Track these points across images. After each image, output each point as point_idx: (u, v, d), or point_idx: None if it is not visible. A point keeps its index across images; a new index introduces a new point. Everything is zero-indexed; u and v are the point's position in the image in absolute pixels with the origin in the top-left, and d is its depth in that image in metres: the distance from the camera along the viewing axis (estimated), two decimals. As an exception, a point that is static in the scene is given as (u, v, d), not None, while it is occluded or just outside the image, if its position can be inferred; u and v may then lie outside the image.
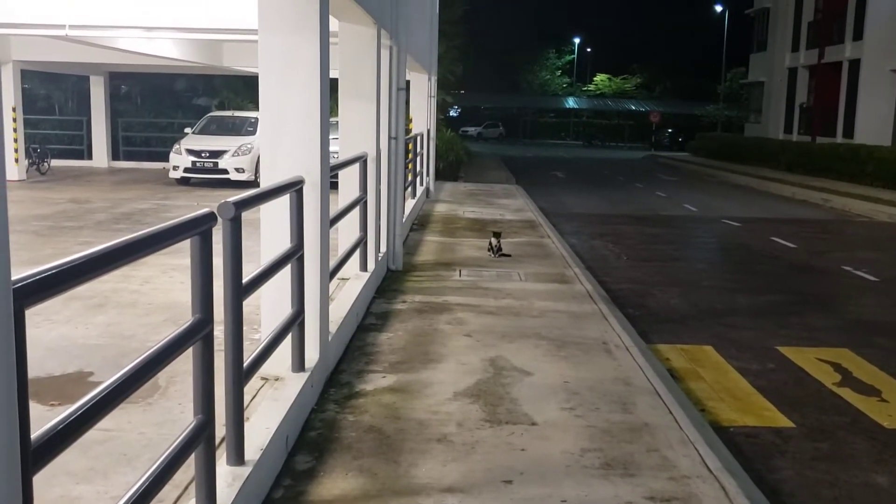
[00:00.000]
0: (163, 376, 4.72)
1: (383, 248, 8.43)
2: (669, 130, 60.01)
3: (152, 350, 2.42)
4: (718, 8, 53.66)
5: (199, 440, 2.79)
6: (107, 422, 4.18)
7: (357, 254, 7.17)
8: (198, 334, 2.70)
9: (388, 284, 8.05)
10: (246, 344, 3.41)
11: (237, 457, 3.29)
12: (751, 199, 21.65)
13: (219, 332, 3.11)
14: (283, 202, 4.16)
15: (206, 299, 2.72)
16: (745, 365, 6.32)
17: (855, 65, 32.01)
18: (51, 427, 1.83)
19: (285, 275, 4.23)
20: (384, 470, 3.86)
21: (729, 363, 6.37)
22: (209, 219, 2.69)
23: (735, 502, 3.66)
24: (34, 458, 1.74)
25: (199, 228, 2.64)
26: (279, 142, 4.57)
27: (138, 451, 3.87)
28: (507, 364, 5.60)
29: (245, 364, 3.33)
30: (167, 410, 4.42)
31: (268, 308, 4.62)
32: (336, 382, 5.10)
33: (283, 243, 4.16)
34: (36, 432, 1.79)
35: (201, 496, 2.90)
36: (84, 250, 2.04)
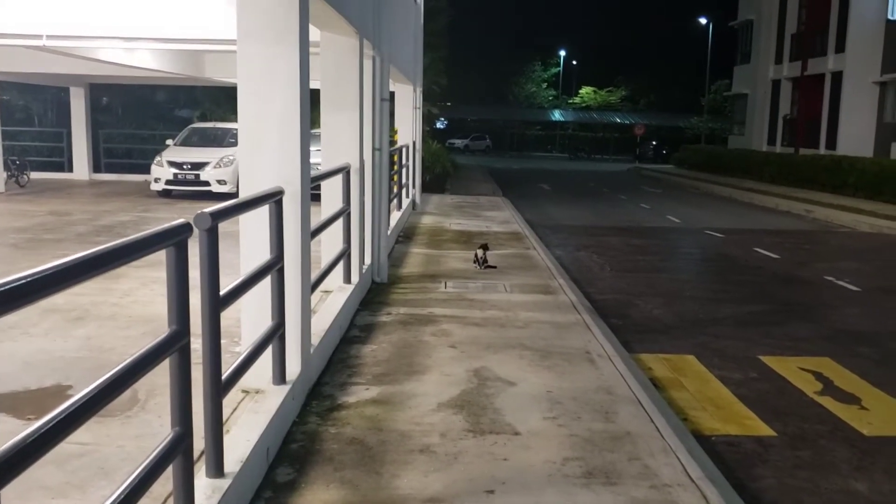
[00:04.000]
0: (142, 389, 4.70)
1: (368, 261, 8.41)
2: (654, 143, 60.34)
3: (126, 362, 2.40)
4: (703, 20, 54.10)
5: (177, 452, 2.76)
6: (84, 435, 4.15)
7: (341, 266, 7.15)
8: (174, 346, 2.68)
9: (372, 297, 8.04)
10: (226, 357, 3.39)
11: (216, 469, 3.27)
12: (734, 210, 21.78)
13: (199, 345, 3.09)
14: (263, 213, 4.14)
15: (183, 311, 2.70)
16: (727, 374, 6.34)
17: (838, 77, 32.36)
18: (17, 441, 1.80)
19: (265, 287, 4.21)
20: (366, 481, 3.84)
21: (711, 372, 6.38)
22: (185, 229, 2.68)
23: (716, 511, 3.66)
24: (-1, 473, 1.71)
25: (174, 239, 2.62)
26: (258, 152, 4.55)
27: (116, 465, 3.83)
28: (491, 374, 5.59)
29: (224, 376, 3.31)
30: (146, 424, 4.38)
31: (248, 321, 4.59)
32: (318, 395, 5.07)
33: (263, 255, 4.14)
34: (1, 447, 1.76)
35: (181, 510, 2.87)
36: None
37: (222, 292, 3.21)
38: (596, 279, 10.40)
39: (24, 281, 1.79)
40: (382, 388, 5.26)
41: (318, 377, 5.37)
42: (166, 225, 2.63)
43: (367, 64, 8.01)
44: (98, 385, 2.18)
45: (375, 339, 6.45)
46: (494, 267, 9.85)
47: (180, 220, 2.69)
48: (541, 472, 4.03)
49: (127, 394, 4.74)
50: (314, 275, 5.53)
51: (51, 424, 1.93)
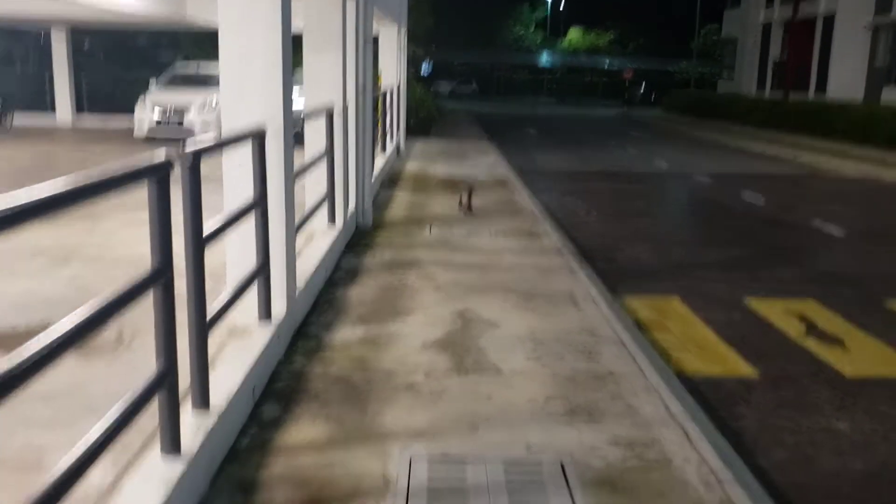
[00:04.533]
0: (127, 330, 4.70)
1: (352, 205, 8.38)
2: (642, 87, 59.94)
3: (110, 296, 2.38)
4: (692, -37, 53.31)
5: (162, 387, 2.78)
6: (71, 374, 4.16)
7: (325, 210, 7.12)
8: (157, 281, 2.66)
9: (357, 240, 8.03)
10: (213, 298, 3.38)
11: (202, 405, 3.29)
12: (722, 155, 21.76)
13: (184, 288, 3.08)
14: (245, 152, 4.09)
15: (165, 246, 2.68)
16: (711, 316, 6.39)
17: (829, 20, 32.12)
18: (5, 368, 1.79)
19: (250, 228, 4.19)
20: (351, 418, 3.88)
21: (696, 315, 6.44)
22: (165, 165, 2.64)
23: (697, 447, 3.73)
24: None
25: (155, 174, 2.59)
26: (240, 91, 4.47)
27: (103, 402, 3.82)
28: (475, 316, 5.62)
29: (209, 313, 3.31)
30: (132, 363, 4.39)
31: (232, 261, 4.58)
32: (304, 335, 5.09)
33: (247, 195, 4.10)
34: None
35: (166, 442, 2.90)
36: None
37: (206, 230, 3.18)
38: (582, 224, 10.41)
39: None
40: (368, 328, 5.28)
41: (304, 318, 5.39)
42: (146, 160, 2.59)
43: (351, 4, 7.86)
44: (82, 317, 2.17)
45: (361, 282, 6.45)
46: (479, 212, 9.84)
47: (161, 155, 2.66)
48: (524, 409, 4.07)
49: (112, 334, 4.76)
50: (298, 217, 5.50)
51: (36, 357, 1.92)
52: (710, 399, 4.75)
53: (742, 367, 5.32)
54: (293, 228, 4.96)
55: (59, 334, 2.02)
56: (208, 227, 3.27)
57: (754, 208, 12.41)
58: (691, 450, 3.70)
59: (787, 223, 11.18)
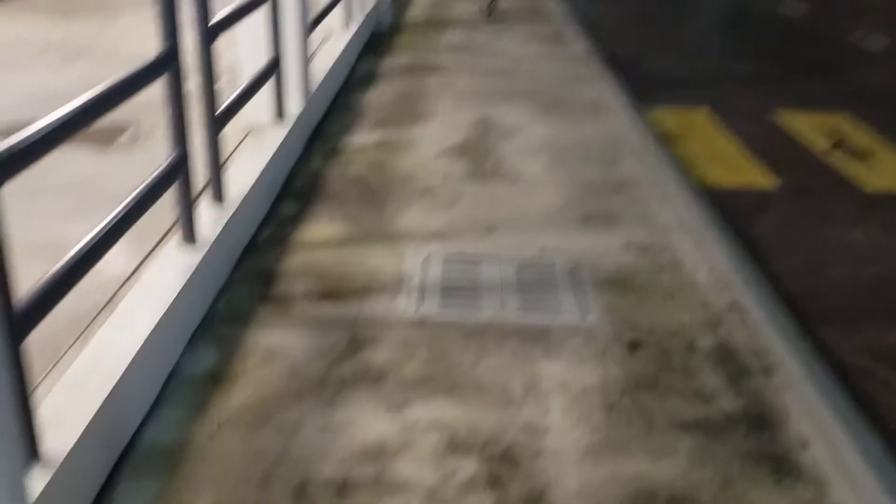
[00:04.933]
0: (144, 125, 4.68)
1: (370, 5, 8.04)
2: None
3: (117, 79, 2.32)
4: None
5: (177, 176, 2.77)
6: (88, 168, 4.18)
7: (340, 11, 6.84)
8: (165, 68, 2.59)
9: (375, 43, 7.78)
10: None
11: (219, 198, 3.29)
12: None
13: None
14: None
15: (172, 31, 2.58)
16: (738, 128, 6.22)
17: None
18: (19, 140, 1.77)
19: (262, 23, 4.04)
20: (369, 217, 3.91)
21: (722, 127, 6.28)
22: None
23: (710, 252, 3.74)
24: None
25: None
26: None
27: (121, 194, 3.87)
28: (495, 123, 5.52)
29: (222, 106, 3.24)
30: (149, 159, 4.36)
31: (245, 59, 4.44)
32: (321, 137, 5.04)
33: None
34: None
35: (185, 230, 2.93)
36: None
37: (214, 19, 3.06)
38: (610, 32, 9.98)
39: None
40: (386, 132, 5.22)
41: (321, 120, 5.32)
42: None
43: None
44: (91, 98, 2.13)
45: (378, 86, 6.31)
46: (503, 15, 9.45)
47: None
48: (541, 214, 4.07)
49: (128, 133, 4.73)
50: (313, 14, 5.29)
51: (43, 134, 1.89)
52: (728, 208, 4.71)
53: (764, 179, 5.25)
54: (306, 24, 4.78)
55: (64, 115, 1.98)
56: (217, 16, 3.14)
57: (793, 21, 11.83)
58: (704, 255, 3.71)
59: (825, 37, 10.68)
